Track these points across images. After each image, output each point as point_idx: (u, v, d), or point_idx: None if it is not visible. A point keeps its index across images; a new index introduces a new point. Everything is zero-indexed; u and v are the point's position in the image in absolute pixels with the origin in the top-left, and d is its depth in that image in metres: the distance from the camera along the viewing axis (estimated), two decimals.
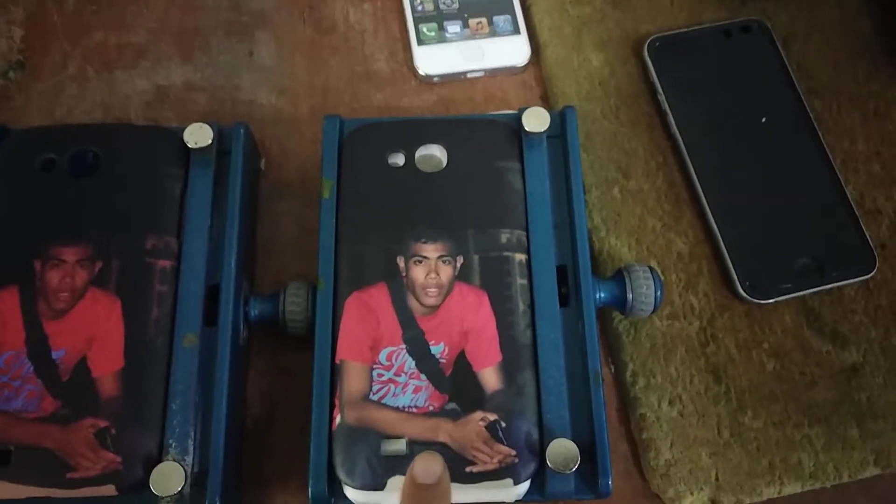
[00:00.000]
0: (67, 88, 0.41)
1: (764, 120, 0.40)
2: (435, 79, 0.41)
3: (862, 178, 0.40)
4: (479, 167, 0.35)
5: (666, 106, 0.40)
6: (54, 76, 0.41)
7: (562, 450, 0.30)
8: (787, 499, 0.35)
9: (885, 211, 0.39)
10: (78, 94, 0.41)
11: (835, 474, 0.34)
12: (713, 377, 0.36)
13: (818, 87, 0.41)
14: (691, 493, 0.34)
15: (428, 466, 0.27)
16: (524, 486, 0.30)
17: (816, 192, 0.38)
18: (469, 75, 0.42)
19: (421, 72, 0.41)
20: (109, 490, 0.30)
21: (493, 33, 0.42)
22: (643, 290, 0.34)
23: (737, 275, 0.37)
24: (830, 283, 0.37)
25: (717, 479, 0.34)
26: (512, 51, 0.42)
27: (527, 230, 0.34)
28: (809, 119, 0.40)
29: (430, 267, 0.33)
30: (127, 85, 0.41)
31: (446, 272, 0.33)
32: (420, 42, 0.41)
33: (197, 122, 0.35)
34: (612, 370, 0.37)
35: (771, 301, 0.36)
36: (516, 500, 0.31)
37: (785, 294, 0.37)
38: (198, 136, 0.34)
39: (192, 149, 0.35)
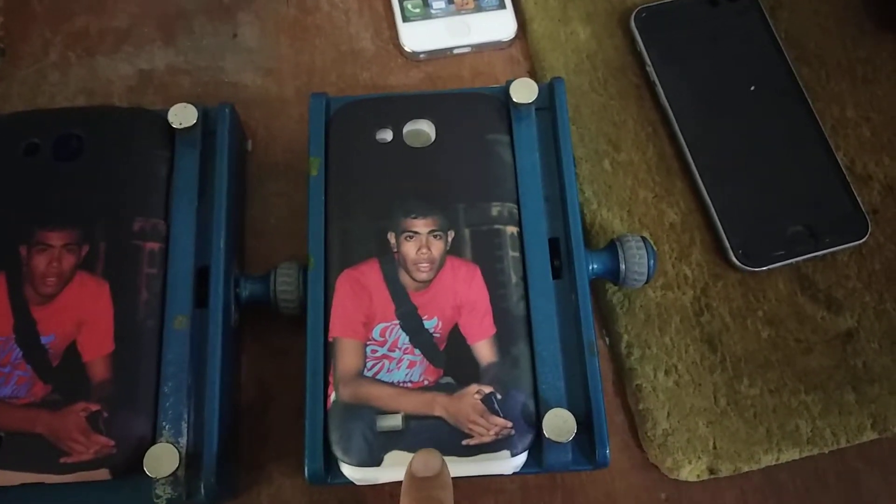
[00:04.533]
0: (49, 75, 0.40)
1: (753, 88, 0.40)
2: (421, 56, 0.41)
3: (852, 144, 0.39)
4: (468, 141, 0.34)
5: (654, 77, 0.40)
6: (35, 63, 0.41)
7: (558, 419, 0.29)
8: (786, 465, 0.35)
9: (876, 176, 0.39)
10: (60, 80, 0.40)
11: (833, 440, 0.34)
12: (708, 346, 0.36)
13: (806, 54, 0.41)
14: (689, 462, 0.34)
15: (427, 460, 0.27)
16: (521, 457, 0.30)
17: (807, 159, 0.38)
18: (455, 51, 0.41)
19: (407, 49, 0.41)
20: (103, 474, 0.29)
21: (479, 8, 0.41)
22: (636, 261, 0.33)
23: (730, 243, 0.37)
24: (823, 250, 0.37)
25: (714, 447, 0.34)
26: (498, 25, 0.41)
27: (517, 203, 0.34)
28: (798, 86, 0.40)
29: (421, 242, 0.33)
30: (110, 70, 0.40)
31: (438, 247, 0.33)
32: (405, 19, 0.41)
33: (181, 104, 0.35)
34: (607, 342, 0.37)
35: (764, 268, 0.36)
36: (514, 472, 0.31)
37: (778, 261, 0.36)
38: (182, 116, 0.34)
39: (177, 130, 0.34)
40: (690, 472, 0.34)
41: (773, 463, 0.34)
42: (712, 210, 0.37)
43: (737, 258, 0.36)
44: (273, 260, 0.36)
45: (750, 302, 0.37)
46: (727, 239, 0.37)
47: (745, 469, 0.34)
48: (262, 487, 0.34)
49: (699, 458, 0.34)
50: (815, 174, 0.38)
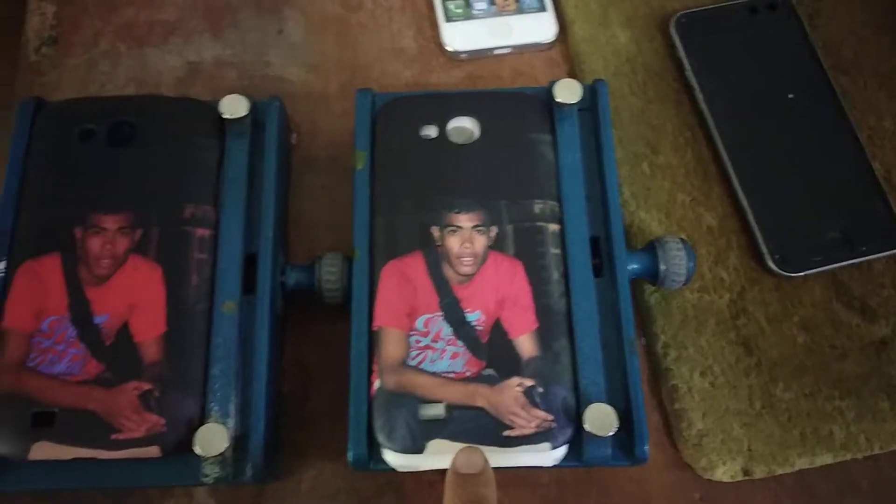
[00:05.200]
0: (100, 64, 0.41)
1: (791, 96, 0.40)
2: (462, 55, 0.42)
3: (888, 153, 0.40)
4: (511, 139, 0.35)
5: (693, 82, 0.40)
6: (86, 52, 0.41)
7: (599, 414, 0.30)
8: (819, 470, 0.35)
9: None
10: (110, 69, 0.41)
11: (866, 446, 0.35)
12: (744, 349, 0.36)
13: (844, 63, 0.41)
14: (724, 463, 0.34)
15: (470, 457, 0.28)
16: (561, 450, 0.31)
17: (844, 167, 0.39)
18: (496, 52, 0.42)
19: (449, 48, 0.41)
20: (153, 451, 0.30)
21: (520, 10, 0.42)
22: (676, 262, 0.34)
23: (766, 248, 0.37)
24: (859, 257, 0.37)
25: (749, 449, 0.34)
26: (539, 27, 0.42)
27: (559, 201, 0.34)
28: (836, 95, 0.40)
29: (464, 236, 0.33)
30: (158, 61, 0.41)
31: (480, 241, 0.33)
32: (448, 19, 0.42)
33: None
34: (643, 342, 0.37)
35: (800, 274, 0.37)
36: (553, 465, 0.31)
37: (814, 267, 0.37)
38: (233, 107, 0.35)
39: (227, 120, 0.35)
40: (724, 472, 0.34)
41: (807, 467, 0.34)
42: (750, 215, 0.38)
43: (774, 263, 0.37)
44: (314, 250, 0.37)
45: (786, 307, 0.37)
46: (764, 244, 0.37)
47: (779, 472, 0.34)
48: (302, 471, 0.34)
49: (734, 459, 0.34)
50: (852, 182, 0.38)
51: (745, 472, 0.34)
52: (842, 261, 0.37)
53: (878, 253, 0.37)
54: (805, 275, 0.37)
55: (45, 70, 0.41)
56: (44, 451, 0.30)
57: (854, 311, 0.37)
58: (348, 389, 0.32)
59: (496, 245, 0.33)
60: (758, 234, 0.37)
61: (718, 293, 0.37)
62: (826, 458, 0.34)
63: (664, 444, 0.35)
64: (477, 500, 0.27)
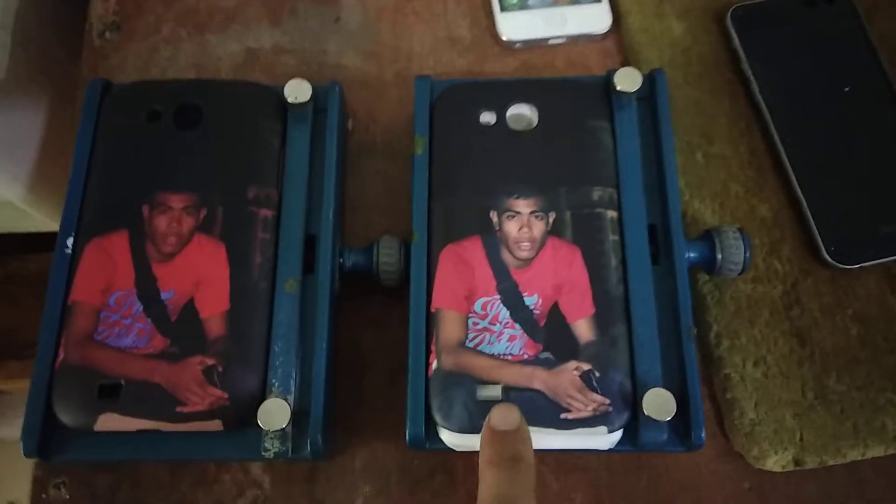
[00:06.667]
0: (162, 50, 0.42)
1: (847, 89, 0.40)
2: (517, 45, 0.42)
3: None
4: (570, 126, 0.35)
5: (749, 74, 0.40)
6: (148, 37, 0.42)
7: (658, 398, 0.30)
8: (870, 462, 0.35)
9: None
10: (171, 55, 0.42)
11: None
12: (797, 340, 0.36)
13: None
14: (775, 453, 0.34)
15: (506, 414, 0.27)
16: (617, 434, 0.31)
17: None
18: (550, 41, 0.42)
19: (503, 38, 0.42)
20: (216, 425, 0.31)
21: (575, 1, 0.42)
22: (733, 251, 0.34)
23: (821, 240, 0.37)
24: None
25: (801, 439, 0.34)
26: (594, 18, 0.42)
27: (617, 188, 0.34)
28: (892, 89, 0.40)
29: (522, 221, 0.34)
30: (219, 47, 0.42)
31: (539, 227, 0.33)
32: (503, 9, 0.42)
33: (285, 83, 0.36)
34: (695, 331, 0.37)
35: (855, 267, 0.37)
36: (609, 449, 0.31)
37: (869, 260, 0.37)
38: (297, 91, 0.36)
39: (290, 104, 0.36)
40: (776, 462, 0.34)
41: (859, 458, 0.34)
42: (805, 207, 0.38)
43: (829, 255, 0.37)
44: (369, 234, 0.38)
45: (840, 299, 0.37)
46: (819, 236, 0.37)
47: (831, 462, 0.34)
48: (356, 450, 0.35)
49: (785, 448, 0.34)
50: None
51: (797, 463, 0.34)
52: None
53: None
54: (860, 267, 0.37)
55: (108, 54, 0.42)
56: (110, 422, 0.31)
57: None
58: (402, 370, 0.32)
59: (554, 230, 0.33)
60: (813, 225, 0.37)
61: (772, 284, 0.37)
62: (878, 451, 0.34)
63: (715, 434, 0.35)
64: (515, 457, 0.26)
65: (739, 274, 0.35)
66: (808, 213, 0.37)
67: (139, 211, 0.34)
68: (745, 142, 0.40)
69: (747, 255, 0.34)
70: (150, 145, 0.35)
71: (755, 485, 0.35)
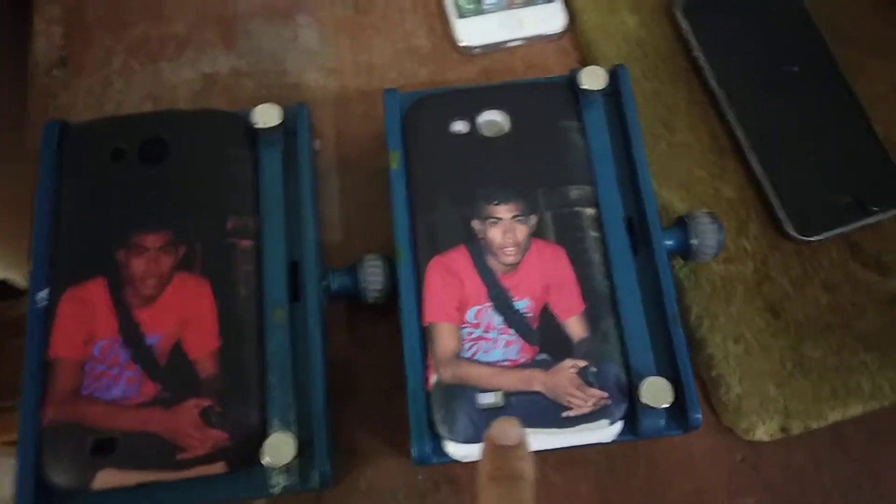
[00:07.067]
0: (114, 83, 0.41)
1: (796, 68, 0.42)
2: (476, 50, 0.42)
3: (887, 117, 0.42)
4: (541, 128, 0.36)
5: (702, 61, 0.41)
6: (99, 71, 0.41)
7: (655, 386, 0.31)
8: (850, 421, 0.37)
9: None
10: (125, 87, 0.41)
11: (891, 394, 0.36)
12: (772, 314, 0.38)
13: (841, 34, 0.43)
14: (763, 423, 0.36)
15: (506, 429, 0.26)
16: (618, 425, 0.32)
17: (850, 134, 0.40)
18: (508, 44, 0.43)
19: (462, 44, 0.42)
20: (220, 467, 0.31)
21: (530, 2, 0.43)
22: (707, 235, 0.35)
23: (784, 216, 0.38)
24: (871, 218, 0.39)
25: (785, 407, 0.36)
26: (548, 18, 0.43)
27: (593, 185, 0.35)
28: (836, 65, 0.42)
29: (505, 227, 0.34)
30: (174, 75, 0.41)
31: (522, 230, 0.34)
32: (460, 15, 0.42)
33: (247, 107, 0.36)
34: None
35: (818, 238, 0.38)
36: (612, 441, 0.32)
37: (830, 230, 0.38)
38: (266, 116, 0.35)
39: (260, 129, 0.35)
40: (764, 432, 0.36)
41: (840, 419, 0.36)
42: (766, 185, 0.39)
43: (792, 230, 0.38)
44: (348, 254, 0.37)
45: (807, 270, 0.39)
46: (782, 212, 0.39)
47: (815, 426, 0.36)
48: (360, 471, 0.35)
49: (772, 418, 0.36)
50: (858, 147, 0.40)
51: (783, 430, 0.36)
52: (855, 222, 0.39)
53: (888, 212, 0.39)
54: (822, 238, 0.39)
55: (57, 92, 0.41)
56: (108, 478, 0.30)
57: (870, 268, 0.39)
58: (396, 388, 0.32)
59: (537, 233, 0.34)
60: (775, 203, 0.39)
61: (743, 263, 0.39)
62: (856, 410, 0.36)
63: (704, 412, 0.37)
64: (515, 474, 0.26)
65: (713, 257, 0.36)
66: (770, 191, 0.39)
67: (114, 255, 0.33)
68: (705, 127, 0.41)
69: (720, 238, 0.35)
70: (117, 185, 0.34)
71: (747, 456, 0.36)
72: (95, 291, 0.32)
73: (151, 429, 0.30)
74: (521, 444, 0.26)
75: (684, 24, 0.42)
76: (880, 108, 0.42)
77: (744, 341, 0.37)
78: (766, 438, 0.36)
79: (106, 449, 0.30)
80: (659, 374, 0.32)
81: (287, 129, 0.36)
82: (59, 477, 0.30)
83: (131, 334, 0.32)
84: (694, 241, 0.35)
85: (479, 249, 0.34)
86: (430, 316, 0.33)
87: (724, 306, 0.38)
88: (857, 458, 0.36)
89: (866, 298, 0.38)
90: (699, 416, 0.32)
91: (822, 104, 0.41)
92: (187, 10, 0.42)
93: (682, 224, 0.36)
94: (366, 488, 0.35)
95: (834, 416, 0.36)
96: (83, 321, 0.32)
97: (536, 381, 0.32)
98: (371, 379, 0.37)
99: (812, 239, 0.38)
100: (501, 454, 0.26)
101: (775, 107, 0.41)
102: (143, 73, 0.41)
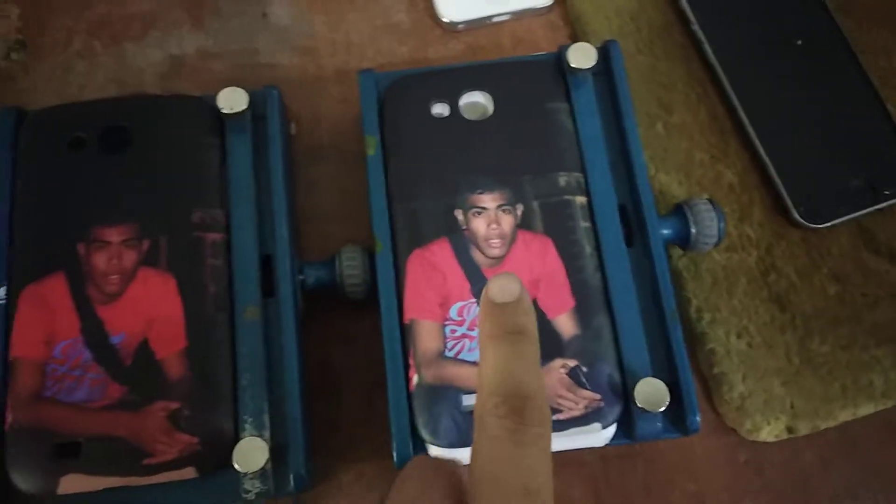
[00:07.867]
0: (76, 66, 0.39)
1: (799, 42, 0.39)
2: (460, 26, 0.40)
3: None
4: (528, 110, 0.33)
5: (701, 35, 0.39)
6: (60, 54, 0.39)
7: (650, 389, 0.29)
8: (861, 420, 0.35)
9: None
10: (88, 70, 0.38)
11: None
12: (777, 306, 0.35)
13: (848, 4, 0.40)
14: (768, 423, 0.34)
15: (504, 284, 0.24)
16: (612, 429, 0.30)
17: (859, 112, 0.38)
18: (494, 19, 0.40)
19: (445, 19, 0.40)
20: (189, 472, 0.29)
21: None
22: (707, 224, 0.33)
23: (791, 201, 0.36)
24: (883, 202, 0.36)
25: (792, 406, 0.34)
26: None
27: (583, 171, 0.33)
28: (843, 38, 0.39)
29: (490, 217, 0.32)
30: (139, 57, 0.39)
31: (508, 221, 0.32)
32: None
33: (217, 90, 0.33)
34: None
35: (827, 225, 0.36)
36: (605, 444, 0.30)
37: (839, 216, 0.36)
38: (232, 101, 0.33)
39: (226, 116, 0.33)
40: (769, 433, 0.34)
41: (850, 418, 0.34)
42: (770, 168, 0.37)
43: (799, 216, 0.36)
44: (327, 245, 0.35)
45: (814, 259, 0.36)
46: (788, 197, 0.36)
47: (823, 426, 0.34)
48: (339, 474, 0.33)
49: (777, 418, 0.34)
50: (870, 127, 0.38)
51: (790, 431, 0.34)
52: (866, 207, 0.36)
53: None
54: (831, 225, 0.36)
55: (15, 76, 0.38)
56: (73, 483, 0.28)
57: (882, 257, 0.37)
58: (378, 387, 0.30)
59: (524, 223, 0.32)
60: (780, 187, 0.36)
61: (746, 251, 0.36)
62: (868, 409, 0.34)
63: (705, 411, 0.35)
64: (518, 329, 0.23)
65: (714, 246, 0.34)
66: (775, 175, 0.37)
67: (74, 250, 0.31)
68: (705, 107, 0.39)
69: (721, 226, 0.33)
70: (76, 176, 0.32)
71: (751, 458, 0.34)
72: (56, 288, 0.30)
73: (117, 432, 0.29)
74: (520, 299, 0.24)
75: None
76: (893, 84, 0.39)
77: (747, 336, 0.35)
78: (771, 439, 0.34)
79: (71, 453, 0.29)
80: (655, 374, 0.30)
81: (257, 114, 0.34)
82: (23, 481, 0.29)
83: (94, 333, 0.30)
84: (693, 230, 0.33)
85: (462, 242, 0.31)
86: (410, 313, 0.31)
87: (727, 298, 0.35)
88: (868, 460, 0.34)
89: (878, 289, 0.36)
90: (698, 419, 0.30)
91: (829, 80, 0.38)
92: None
93: (680, 211, 0.34)
94: (346, 491, 0.33)
95: (844, 416, 0.34)
96: (43, 320, 0.30)
97: None
98: (353, 378, 0.35)
99: (820, 226, 0.36)
100: (501, 311, 0.24)
101: (780, 84, 0.38)
102: (106, 55, 0.39)
